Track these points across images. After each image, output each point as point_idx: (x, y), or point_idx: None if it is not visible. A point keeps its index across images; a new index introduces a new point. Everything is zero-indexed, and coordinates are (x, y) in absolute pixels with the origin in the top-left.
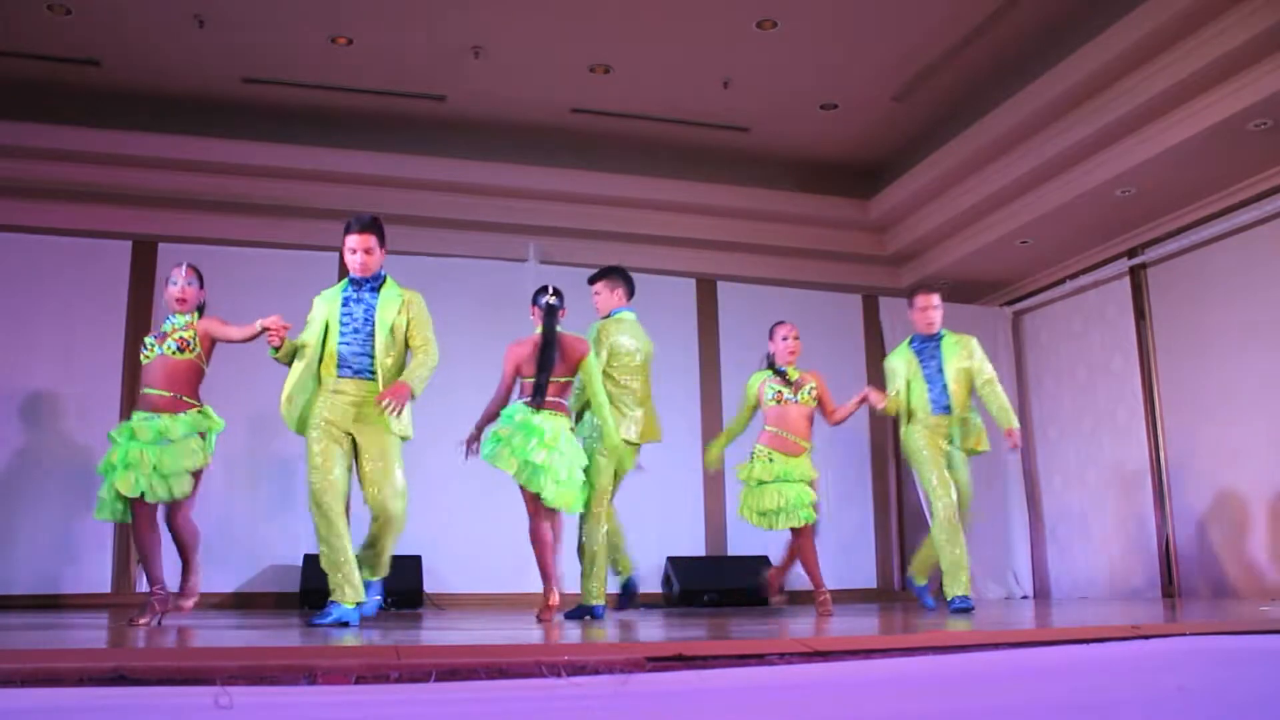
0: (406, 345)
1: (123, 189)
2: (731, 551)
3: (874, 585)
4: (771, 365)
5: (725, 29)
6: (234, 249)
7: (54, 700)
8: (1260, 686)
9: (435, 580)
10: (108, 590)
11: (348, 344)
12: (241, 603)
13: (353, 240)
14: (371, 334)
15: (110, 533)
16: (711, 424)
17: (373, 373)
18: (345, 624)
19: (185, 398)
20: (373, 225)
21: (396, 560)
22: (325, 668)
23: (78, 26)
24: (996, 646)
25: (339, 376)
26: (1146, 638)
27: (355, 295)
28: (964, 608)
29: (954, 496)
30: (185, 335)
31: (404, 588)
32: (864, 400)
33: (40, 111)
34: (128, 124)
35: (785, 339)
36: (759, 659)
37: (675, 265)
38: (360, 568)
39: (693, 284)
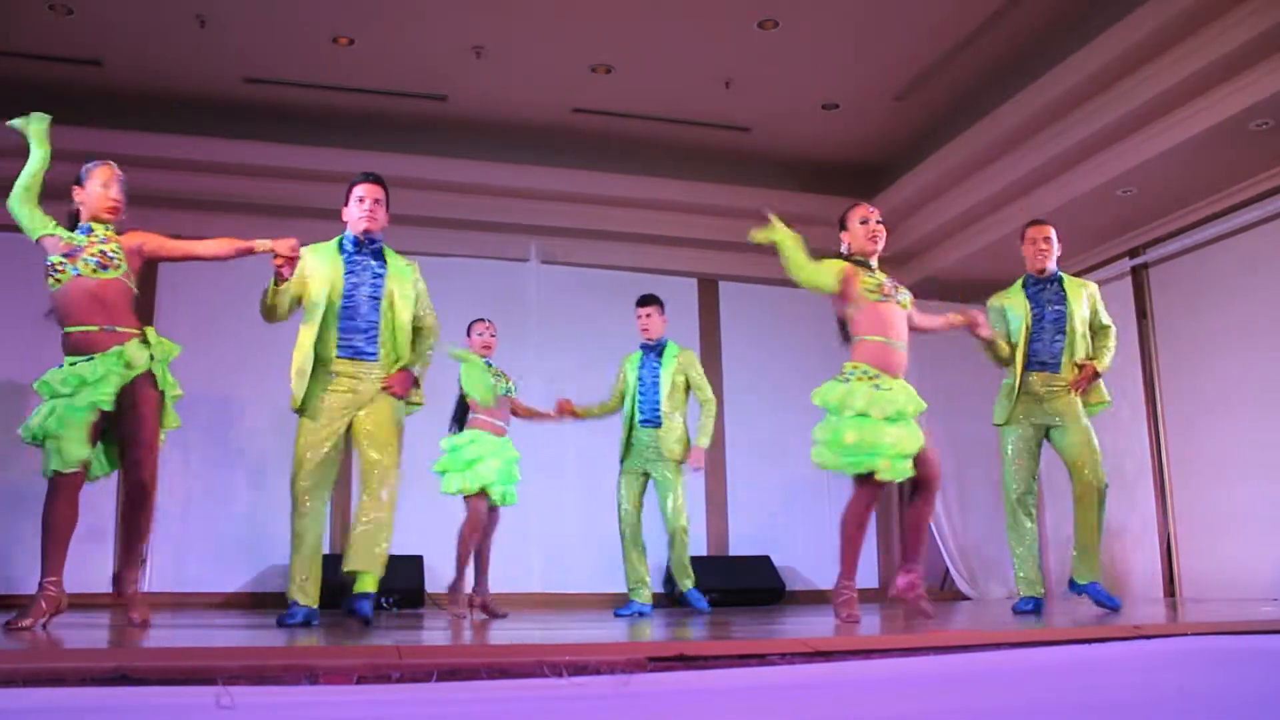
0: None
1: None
2: (733, 551)
3: (875, 585)
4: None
5: (726, 29)
6: None
7: (56, 700)
8: (1260, 686)
9: (436, 580)
10: (109, 590)
11: (351, 318)
12: (244, 602)
13: (362, 189)
14: (377, 308)
15: (110, 532)
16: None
17: (375, 354)
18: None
19: (120, 327)
20: (382, 180)
21: (397, 560)
22: (327, 668)
23: (79, 26)
24: (996, 646)
25: (338, 356)
26: (1147, 638)
27: (358, 260)
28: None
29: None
30: (107, 249)
31: (405, 587)
32: (965, 325)
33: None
34: (129, 124)
35: (865, 222)
36: (760, 659)
37: (677, 265)
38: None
39: (694, 284)
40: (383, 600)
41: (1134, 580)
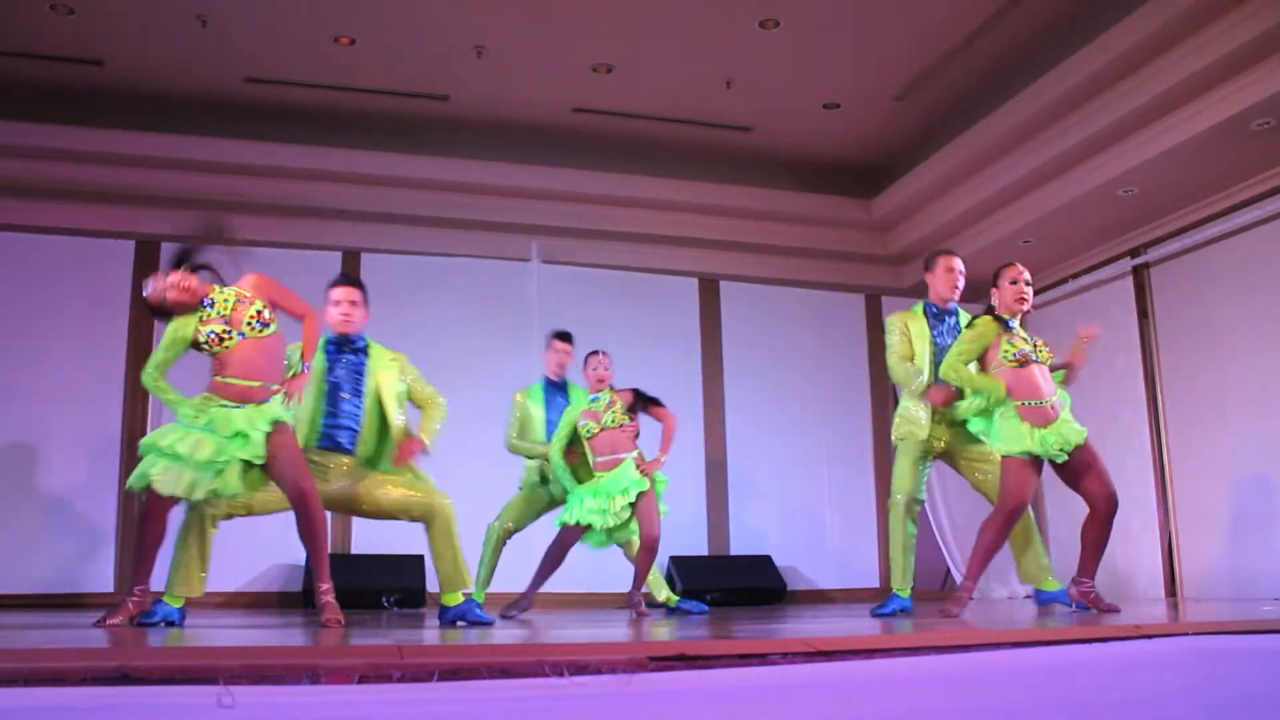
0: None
1: (125, 188)
2: (734, 551)
3: (876, 585)
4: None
5: (727, 28)
6: (237, 248)
7: (57, 699)
8: (1261, 686)
9: (438, 580)
10: (110, 590)
11: (333, 414)
12: (244, 602)
13: (338, 293)
14: (360, 404)
15: (112, 532)
16: (714, 424)
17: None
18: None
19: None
20: (359, 282)
21: (399, 559)
22: (328, 667)
23: (80, 26)
24: (997, 646)
25: (317, 446)
26: (1148, 638)
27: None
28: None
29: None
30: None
31: (406, 587)
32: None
33: (43, 111)
34: (130, 124)
35: (1014, 283)
36: (761, 659)
37: (678, 265)
38: None
39: (695, 284)
40: (384, 599)
41: (1135, 580)
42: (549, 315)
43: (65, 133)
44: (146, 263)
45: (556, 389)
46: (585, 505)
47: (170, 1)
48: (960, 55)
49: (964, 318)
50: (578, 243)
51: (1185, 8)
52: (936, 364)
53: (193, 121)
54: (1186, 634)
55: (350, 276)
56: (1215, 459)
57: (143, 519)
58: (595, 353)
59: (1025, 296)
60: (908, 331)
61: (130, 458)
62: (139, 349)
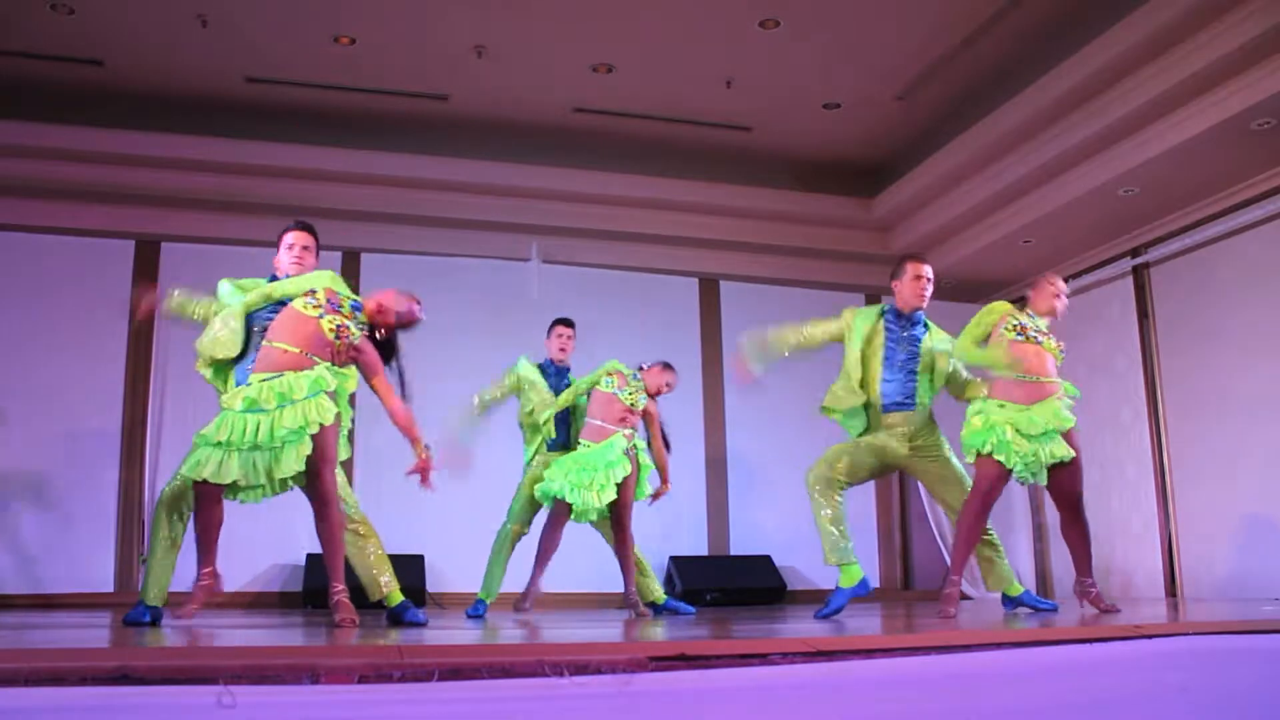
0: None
1: (126, 188)
2: (734, 551)
3: (876, 585)
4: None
5: (728, 28)
6: (237, 248)
7: (57, 699)
8: (1261, 686)
9: (438, 579)
10: (110, 590)
11: None
12: (244, 602)
13: (291, 237)
14: None
15: (111, 532)
16: (714, 424)
17: None
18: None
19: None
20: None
21: (399, 559)
22: (328, 667)
23: (81, 26)
24: (997, 646)
25: None
26: (1147, 637)
27: None
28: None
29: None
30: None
31: (406, 587)
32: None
33: (43, 111)
34: (130, 123)
35: (1058, 297)
36: (761, 658)
37: (678, 265)
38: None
39: (695, 283)
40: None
41: (1135, 580)
42: (549, 315)
43: (65, 133)
44: (147, 262)
45: (559, 373)
46: (567, 477)
47: (170, 1)
48: (960, 55)
49: (934, 332)
50: (578, 243)
51: (1185, 8)
52: (893, 365)
53: (193, 121)
54: (1186, 634)
55: (304, 221)
56: (1215, 459)
57: (195, 507)
58: (670, 368)
59: (1059, 298)
60: (850, 326)
61: (130, 457)
62: (139, 349)
